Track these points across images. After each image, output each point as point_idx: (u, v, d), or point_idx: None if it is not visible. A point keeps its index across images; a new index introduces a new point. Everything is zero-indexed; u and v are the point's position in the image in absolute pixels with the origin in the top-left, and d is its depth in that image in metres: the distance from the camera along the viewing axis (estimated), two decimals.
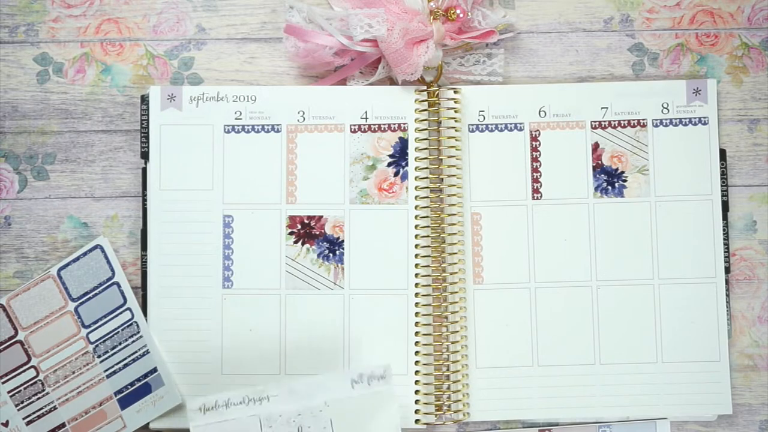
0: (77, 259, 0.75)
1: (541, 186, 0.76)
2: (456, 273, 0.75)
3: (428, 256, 0.75)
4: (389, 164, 0.76)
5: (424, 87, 0.77)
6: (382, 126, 0.77)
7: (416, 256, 0.75)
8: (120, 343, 0.75)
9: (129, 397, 0.75)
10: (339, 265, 0.76)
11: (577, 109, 0.77)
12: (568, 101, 0.77)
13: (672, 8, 0.79)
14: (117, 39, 0.78)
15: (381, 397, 0.70)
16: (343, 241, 0.76)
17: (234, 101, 0.77)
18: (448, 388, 0.75)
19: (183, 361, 0.75)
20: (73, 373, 0.75)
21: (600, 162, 0.77)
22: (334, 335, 0.75)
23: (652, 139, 0.77)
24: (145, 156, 0.76)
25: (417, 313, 0.75)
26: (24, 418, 0.74)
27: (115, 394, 0.75)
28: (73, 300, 0.75)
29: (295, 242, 0.76)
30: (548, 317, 0.76)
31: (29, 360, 0.75)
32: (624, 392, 0.75)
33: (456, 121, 0.76)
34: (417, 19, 0.75)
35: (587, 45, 0.78)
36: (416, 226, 0.76)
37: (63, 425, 0.75)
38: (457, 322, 0.75)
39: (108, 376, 0.75)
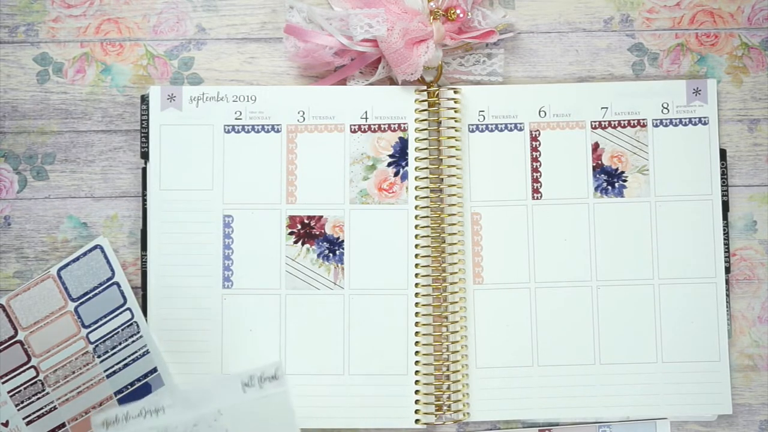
0: (77, 259, 0.75)
1: (541, 186, 0.76)
2: (456, 273, 0.75)
3: (428, 256, 0.75)
4: (389, 164, 0.76)
5: (424, 87, 0.77)
6: (382, 126, 0.77)
7: (416, 256, 0.75)
8: (120, 343, 0.75)
9: (129, 397, 0.75)
10: (339, 265, 0.76)
11: (577, 109, 0.77)
12: (568, 101, 0.77)
13: (672, 8, 0.79)
14: (117, 39, 0.78)
15: (275, 399, 0.66)
16: (343, 241, 0.76)
17: (234, 101, 0.77)
18: (448, 388, 0.75)
19: (183, 361, 0.75)
20: (73, 373, 0.75)
21: (600, 162, 0.77)
22: (334, 335, 0.75)
23: (652, 139, 0.77)
24: (145, 156, 0.76)
25: (417, 313, 0.75)
26: (24, 418, 0.74)
27: (115, 394, 0.75)
28: (73, 300, 0.75)
29: (295, 242, 0.76)
30: (548, 317, 0.76)
31: (29, 360, 0.75)
32: (624, 392, 0.75)
33: (456, 121, 0.76)
34: (417, 19, 0.75)
35: (587, 45, 0.78)
36: (416, 226, 0.76)
37: (63, 425, 0.75)
38: (457, 322, 0.75)
39: (108, 376, 0.75)
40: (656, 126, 0.77)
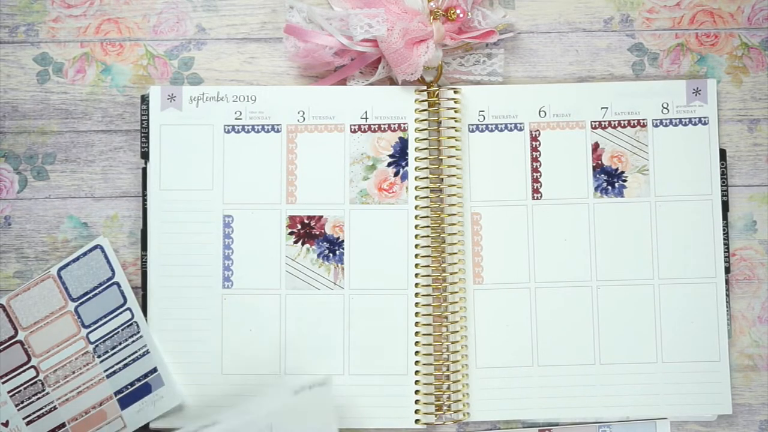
0: (77, 259, 0.75)
1: (541, 186, 0.76)
2: (456, 273, 0.75)
3: (428, 256, 0.75)
4: (389, 164, 0.76)
5: (424, 87, 0.77)
6: (382, 126, 0.77)
7: (416, 256, 0.75)
8: (120, 343, 0.75)
9: (129, 397, 0.75)
10: (339, 265, 0.76)
11: (577, 109, 0.77)
12: (568, 101, 0.77)
13: (672, 8, 0.79)
14: (117, 39, 0.78)
15: (318, 397, 0.70)
16: (343, 241, 0.76)
17: (234, 101, 0.77)
18: (448, 388, 0.75)
19: (183, 361, 0.75)
20: (73, 373, 0.75)
21: (600, 162, 0.77)
22: (334, 335, 0.75)
23: (652, 139, 0.77)
24: (145, 156, 0.76)
25: (417, 313, 0.75)
26: (24, 418, 0.74)
27: (115, 394, 0.75)
28: (73, 300, 0.75)
29: (295, 242, 0.76)
30: (548, 317, 0.76)
31: (29, 360, 0.75)
32: (624, 392, 0.75)
33: (456, 121, 0.76)
34: (417, 19, 0.75)
35: (587, 45, 0.78)
36: (416, 226, 0.76)
37: (63, 425, 0.75)
38: (457, 322, 0.75)
39: (108, 376, 0.75)
40: (656, 126, 0.77)
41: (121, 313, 0.75)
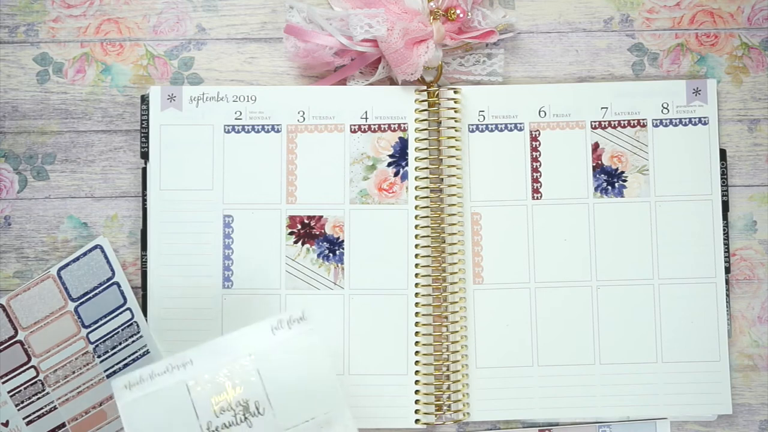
0: (77, 259, 0.76)
1: (541, 186, 0.76)
2: (456, 273, 0.75)
3: (428, 256, 0.75)
4: (389, 164, 0.76)
5: (424, 87, 0.77)
6: (382, 126, 0.77)
7: (416, 256, 0.75)
8: (120, 343, 0.75)
9: None
10: (339, 265, 0.76)
11: (577, 109, 0.77)
12: (568, 101, 0.77)
13: (672, 8, 0.79)
14: (117, 39, 0.78)
15: (305, 338, 0.66)
16: (343, 241, 0.76)
17: (234, 101, 0.77)
18: (448, 388, 0.75)
19: None
20: (73, 373, 0.75)
21: (600, 162, 0.77)
22: (334, 335, 0.75)
23: (652, 139, 0.77)
24: (145, 156, 0.76)
25: (417, 313, 0.75)
26: (24, 418, 0.74)
27: None
28: (73, 300, 0.75)
29: (295, 242, 0.76)
30: (548, 317, 0.76)
31: (29, 360, 0.75)
32: (624, 392, 0.75)
33: (456, 121, 0.76)
34: (417, 19, 0.75)
35: (587, 45, 0.78)
36: (416, 226, 0.76)
37: (63, 425, 0.75)
38: (457, 322, 0.75)
39: (108, 376, 0.75)
40: (656, 126, 0.77)
41: (121, 313, 0.75)
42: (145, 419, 0.64)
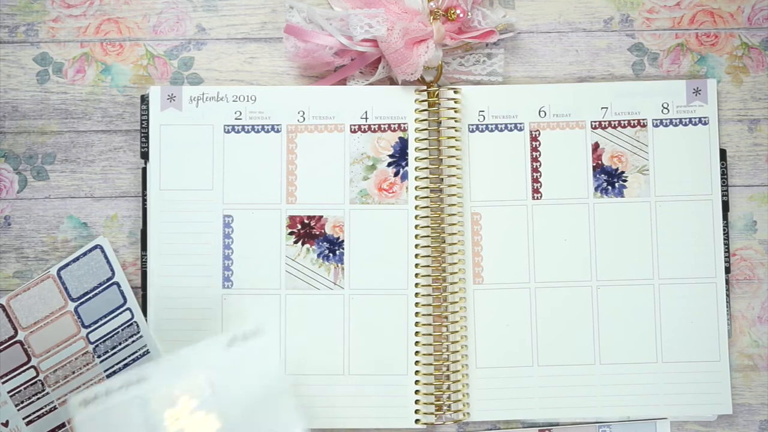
0: (77, 259, 0.76)
1: (541, 186, 0.76)
2: (456, 273, 0.75)
3: (428, 256, 0.75)
4: (389, 164, 0.76)
5: (424, 87, 0.77)
6: (382, 126, 0.77)
7: (416, 256, 0.75)
8: (120, 343, 0.75)
9: None
10: (339, 265, 0.76)
11: (577, 109, 0.77)
12: (568, 101, 0.77)
13: (672, 8, 0.79)
14: (117, 39, 0.78)
15: (260, 351, 0.67)
16: (343, 241, 0.76)
17: (234, 101, 0.77)
18: (448, 388, 0.75)
19: None
20: (73, 373, 0.75)
21: (600, 162, 0.77)
22: (334, 335, 0.75)
23: (652, 139, 0.77)
24: (145, 156, 0.76)
25: (417, 313, 0.75)
26: (24, 418, 0.74)
27: None
28: (73, 300, 0.75)
29: (295, 242, 0.76)
30: (548, 317, 0.76)
31: (29, 360, 0.75)
32: (624, 392, 0.75)
33: (456, 121, 0.76)
34: (417, 19, 0.75)
35: (587, 45, 0.78)
36: (416, 226, 0.76)
37: (63, 425, 0.75)
38: (457, 322, 0.75)
39: (108, 376, 0.75)
40: (656, 126, 0.77)
41: (121, 313, 0.75)
42: None
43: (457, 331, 0.75)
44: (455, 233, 0.76)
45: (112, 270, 0.76)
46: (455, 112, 0.76)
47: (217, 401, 0.65)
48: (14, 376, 0.75)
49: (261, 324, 0.67)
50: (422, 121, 0.76)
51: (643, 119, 0.77)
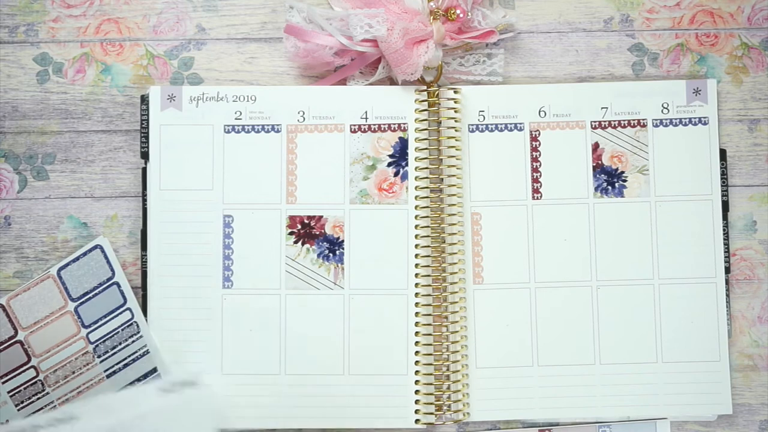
0: (77, 259, 0.76)
1: (541, 186, 0.76)
2: (456, 273, 0.75)
3: (428, 256, 0.75)
4: (389, 164, 0.76)
5: (424, 87, 0.77)
6: (382, 126, 0.77)
7: (416, 256, 0.75)
8: (120, 343, 0.75)
9: None
10: (339, 265, 0.76)
11: (577, 109, 0.77)
12: (568, 101, 0.77)
13: (672, 8, 0.79)
14: (117, 39, 0.78)
15: (194, 402, 0.68)
16: (343, 241, 0.76)
17: (234, 101, 0.77)
18: (448, 388, 0.75)
19: (183, 361, 0.75)
20: (73, 373, 0.75)
21: (600, 162, 0.77)
22: (334, 335, 0.75)
23: (652, 139, 0.77)
24: (145, 156, 0.76)
25: (417, 313, 0.75)
26: (24, 418, 0.74)
27: None
28: (73, 300, 0.75)
29: (295, 242, 0.76)
30: (548, 317, 0.76)
31: (29, 360, 0.75)
32: (624, 392, 0.75)
33: (456, 121, 0.76)
34: (417, 19, 0.75)
35: (587, 45, 0.78)
36: (416, 226, 0.76)
37: None
38: (457, 322, 0.75)
39: (108, 376, 0.75)
40: (656, 126, 0.77)
41: (121, 313, 0.75)
42: None
43: (457, 331, 0.75)
44: (455, 233, 0.76)
45: (112, 270, 0.76)
46: (455, 112, 0.76)
47: None
48: (14, 376, 0.75)
49: (197, 375, 0.69)
50: (422, 121, 0.76)
51: (643, 119, 0.77)
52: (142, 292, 0.76)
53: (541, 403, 0.75)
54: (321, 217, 0.76)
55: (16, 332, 0.75)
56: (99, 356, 0.75)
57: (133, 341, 0.75)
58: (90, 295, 0.75)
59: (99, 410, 0.64)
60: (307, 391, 0.75)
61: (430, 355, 0.75)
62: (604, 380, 0.75)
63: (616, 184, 0.76)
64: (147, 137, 0.76)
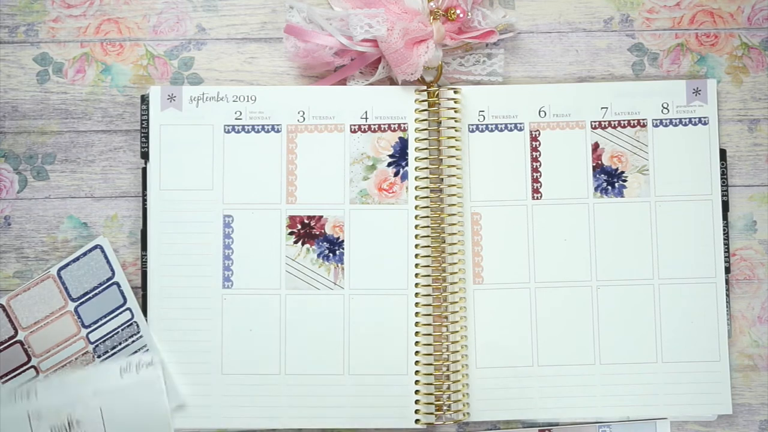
0: (77, 259, 0.76)
1: (541, 186, 0.76)
2: (456, 273, 0.75)
3: (428, 256, 0.75)
4: (389, 164, 0.76)
5: (424, 87, 0.77)
6: (382, 126, 0.77)
7: (416, 256, 0.75)
8: (120, 343, 0.75)
9: None
10: (339, 265, 0.76)
11: (577, 109, 0.77)
12: (568, 101, 0.77)
13: (672, 8, 0.79)
14: (117, 39, 0.78)
15: (149, 382, 0.71)
16: (343, 241, 0.76)
17: (234, 101, 0.77)
18: (448, 388, 0.75)
19: (183, 361, 0.75)
20: None
21: (600, 162, 0.77)
22: (334, 335, 0.75)
23: (652, 139, 0.77)
24: (145, 156, 0.76)
25: (417, 313, 0.75)
26: None
27: None
28: (73, 300, 0.75)
29: (295, 242, 0.76)
30: (548, 317, 0.76)
31: (29, 360, 0.75)
32: (624, 392, 0.75)
33: (456, 121, 0.76)
34: (417, 19, 0.75)
35: (587, 45, 0.78)
36: (416, 226, 0.76)
37: None
38: (457, 322, 0.75)
39: None
40: (656, 126, 0.77)
41: (121, 313, 0.75)
42: None
43: (457, 331, 0.75)
44: (455, 233, 0.76)
45: (112, 270, 0.76)
46: (455, 112, 0.76)
47: (103, 427, 0.68)
48: (14, 376, 0.74)
49: (154, 356, 0.71)
50: (422, 121, 0.76)
51: (643, 119, 0.77)
52: (142, 292, 0.76)
53: (541, 403, 0.75)
54: (321, 217, 0.76)
55: (16, 332, 0.75)
56: (99, 356, 0.75)
57: (133, 341, 0.75)
58: (90, 295, 0.75)
59: (59, 387, 0.68)
60: (307, 391, 0.75)
61: (430, 355, 0.75)
62: (604, 380, 0.75)
63: (616, 184, 0.76)
64: (147, 137, 0.76)
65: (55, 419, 0.68)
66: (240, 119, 0.76)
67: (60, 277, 0.75)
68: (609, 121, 0.77)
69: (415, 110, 0.76)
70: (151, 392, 0.72)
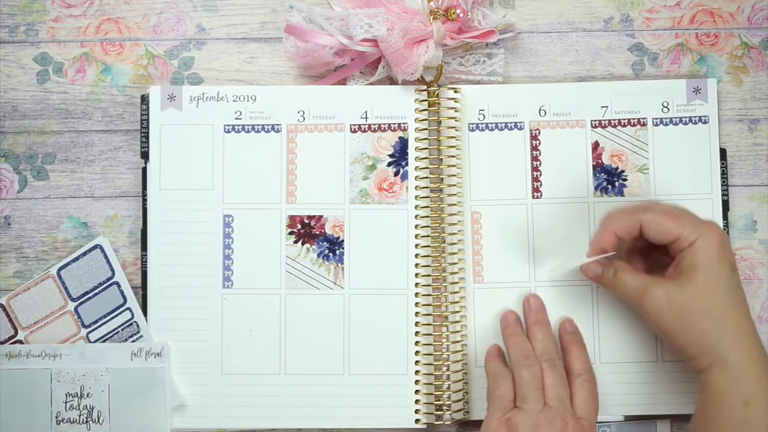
0: (77, 258, 0.75)
1: (541, 185, 0.76)
2: (456, 272, 0.75)
3: (428, 255, 0.75)
4: (389, 164, 0.76)
5: (424, 87, 0.77)
6: (382, 126, 0.77)
7: (416, 256, 0.75)
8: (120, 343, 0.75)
9: None
10: (339, 264, 0.76)
11: (577, 108, 0.77)
12: (568, 100, 0.77)
13: (672, 8, 0.79)
14: (117, 39, 0.78)
15: (155, 374, 0.74)
16: (343, 240, 0.76)
17: (234, 101, 0.77)
18: (448, 388, 0.74)
19: (183, 361, 0.75)
20: None
21: (600, 161, 0.77)
22: (334, 335, 0.75)
23: (652, 138, 0.77)
24: (145, 156, 0.76)
25: (417, 313, 0.75)
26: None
27: None
28: (73, 300, 0.75)
29: (295, 242, 0.76)
30: (548, 316, 0.75)
31: None
32: (624, 392, 0.75)
33: (456, 120, 0.76)
34: (417, 19, 0.75)
35: (587, 45, 0.79)
36: (416, 226, 0.76)
37: None
38: (457, 321, 0.75)
39: None
40: (656, 125, 0.77)
41: (121, 313, 0.75)
42: (8, 390, 0.73)
43: (457, 331, 0.75)
44: (455, 233, 0.76)
45: (112, 270, 0.76)
46: (455, 111, 0.76)
47: (108, 402, 0.74)
48: None
49: (164, 348, 0.74)
50: (422, 120, 0.76)
51: (643, 118, 0.77)
52: (142, 292, 0.76)
53: None
54: (321, 216, 0.76)
55: (16, 332, 0.75)
56: None
57: (133, 341, 0.75)
58: (90, 294, 0.75)
59: (80, 355, 0.73)
60: (307, 391, 0.75)
61: (430, 355, 0.75)
62: (604, 380, 0.75)
63: (616, 183, 0.76)
64: (147, 137, 0.76)
65: (71, 386, 0.73)
66: (240, 119, 0.76)
67: (60, 277, 0.75)
68: (609, 120, 0.77)
69: (415, 110, 0.76)
70: (154, 380, 0.73)
